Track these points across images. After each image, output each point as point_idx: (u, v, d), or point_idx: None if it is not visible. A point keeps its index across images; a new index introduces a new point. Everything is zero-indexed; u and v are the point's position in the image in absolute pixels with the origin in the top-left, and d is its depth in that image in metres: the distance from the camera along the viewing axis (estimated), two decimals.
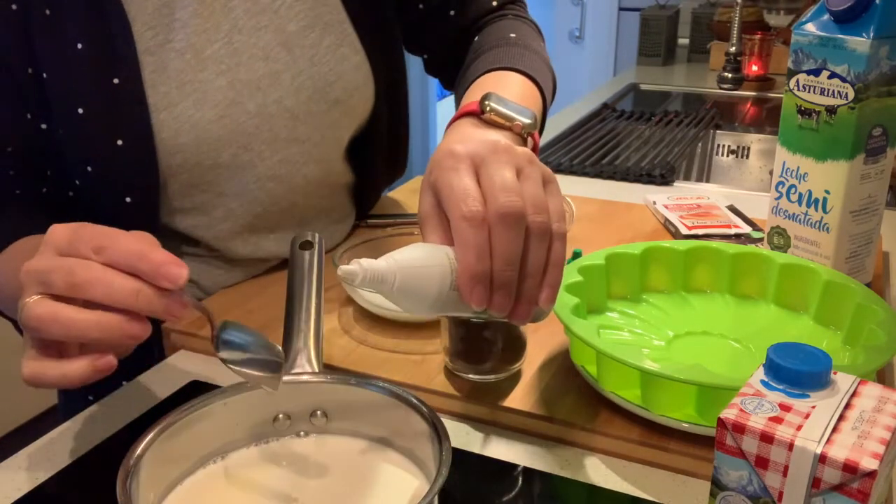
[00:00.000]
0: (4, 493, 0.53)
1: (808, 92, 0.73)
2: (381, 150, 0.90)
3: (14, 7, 0.66)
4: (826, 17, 0.72)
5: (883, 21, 0.68)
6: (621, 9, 2.95)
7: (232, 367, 0.48)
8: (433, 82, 3.84)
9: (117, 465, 0.44)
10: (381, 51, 0.83)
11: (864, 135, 0.71)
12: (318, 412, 0.52)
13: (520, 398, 0.60)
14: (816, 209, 0.75)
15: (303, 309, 0.56)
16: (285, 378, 0.50)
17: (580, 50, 3.15)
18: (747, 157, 1.61)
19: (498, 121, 0.61)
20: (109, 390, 0.66)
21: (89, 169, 0.70)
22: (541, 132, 0.77)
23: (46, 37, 0.67)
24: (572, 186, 1.19)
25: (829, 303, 0.66)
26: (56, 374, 0.48)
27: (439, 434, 0.46)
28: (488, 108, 0.61)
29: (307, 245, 0.60)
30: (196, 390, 0.63)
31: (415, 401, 0.49)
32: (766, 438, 0.37)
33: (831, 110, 0.72)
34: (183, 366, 0.69)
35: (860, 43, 0.69)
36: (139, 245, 0.47)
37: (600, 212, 0.99)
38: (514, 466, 0.55)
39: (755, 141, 1.60)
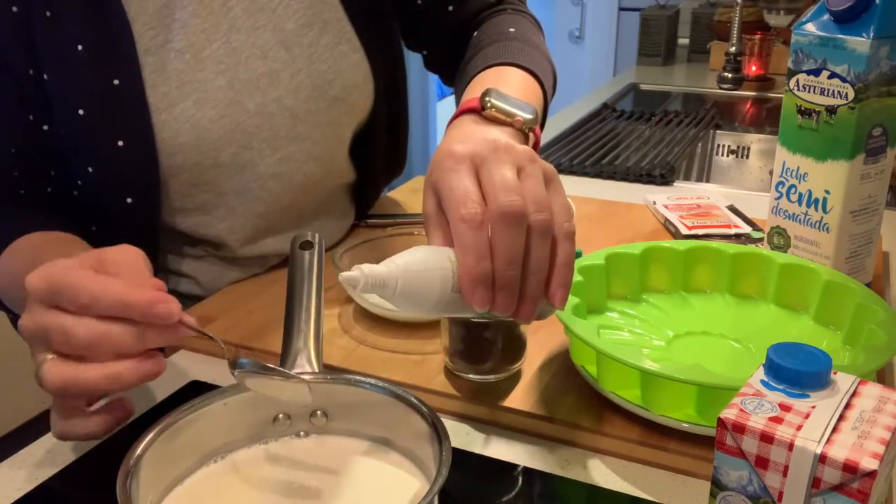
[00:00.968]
0: (4, 493, 0.53)
1: (808, 92, 0.73)
2: (380, 147, 0.90)
3: (15, 9, 0.66)
4: (826, 17, 0.72)
5: (883, 21, 0.68)
6: (621, 9, 2.95)
7: (254, 386, 0.48)
8: (433, 81, 3.83)
9: (117, 465, 0.44)
10: (380, 48, 0.83)
11: (864, 135, 0.71)
12: (318, 412, 0.52)
13: (520, 398, 0.60)
14: (816, 209, 0.75)
15: (303, 309, 0.56)
16: (285, 379, 0.50)
17: (580, 50, 3.15)
18: (747, 157, 1.61)
19: (499, 117, 0.61)
20: None
21: (90, 170, 0.70)
22: (542, 127, 0.77)
23: (47, 38, 0.67)
24: (572, 186, 1.18)
25: (829, 303, 0.66)
26: (83, 432, 0.51)
27: (439, 434, 0.46)
28: (489, 105, 0.61)
29: (307, 245, 0.60)
30: (196, 390, 0.63)
31: (415, 401, 0.49)
32: (766, 438, 0.37)
33: (831, 110, 0.72)
34: (183, 366, 0.69)
35: (860, 43, 0.68)
36: (119, 292, 0.46)
37: (600, 212, 0.99)
38: (514, 466, 0.55)
39: (755, 141, 1.60)
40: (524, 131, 0.61)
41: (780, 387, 0.40)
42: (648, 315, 0.69)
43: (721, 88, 1.74)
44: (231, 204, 0.77)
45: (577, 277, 0.66)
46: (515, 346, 0.62)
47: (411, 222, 0.93)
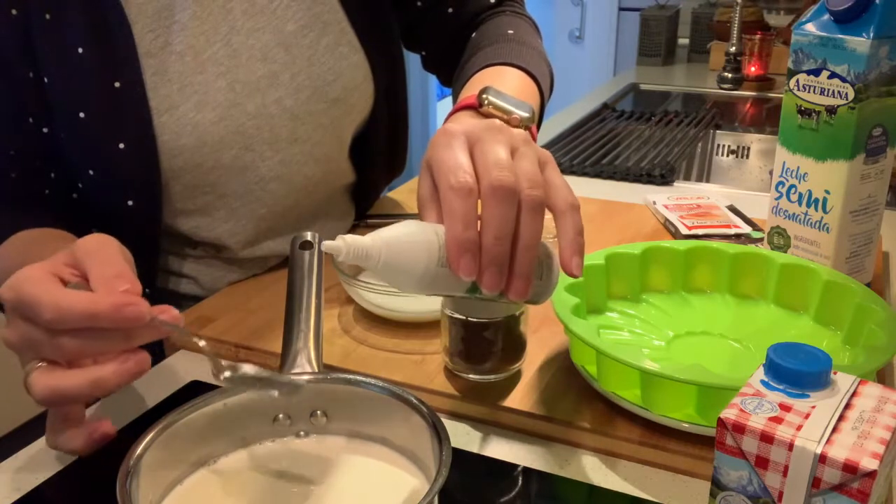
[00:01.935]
0: (4, 494, 0.53)
1: (808, 92, 0.73)
2: (380, 148, 0.90)
3: (14, 12, 0.66)
4: (826, 17, 0.72)
5: (883, 21, 0.68)
6: (621, 9, 2.95)
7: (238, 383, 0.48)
8: (433, 82, 3.84)
9: (117, 465, 0.44)
10: (379, 49, 0.83)
11: (864, 135, 0.71)
12: (318, 412, 0.52)
13: (520, 398, 0.60)
14: (816, 209, 0.75)
15: (303, 309, 0.56)
16: (285, 379, 0.50)
17: (580, 50, 3.15)
18: (747, 157, 1.61)
19: (496, 114, 0.61)
20: None
21: (91, 172, 0.70)
22: (538, 128, 0.77)
23: (47, 41, 0.67)
24: (572, 186, 1.18)
25: (829, 303, 0.66)
26: (67, 448, 0.52)
27: (439, 434, 0.46)
28: (486, 102, 0.61)
29: (307, 245, 0.60)
30: (196, 390, 0.63)
31: (415, 401, 0.49)
32: (766, 438, 0.37)
33: (831, 110, 0.72)
34: (183, 366, 0.69)
35: (860, 43, 0.68)
36: (84, 305, 0.46)
37: (600, 212, 0.99)
38: (513, 466, 0.55)
39: (755, 141, 1.60)
40: (520, 129, 0.62)
41: (780, 387, 0.40)
42: (648, 315, 0.69)
43: (721, 88, 1.74)
44: (232, 206, 0.77)
45: None
46: (515, 346, 0.62)
47: None
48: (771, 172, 0.99)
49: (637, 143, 1.45)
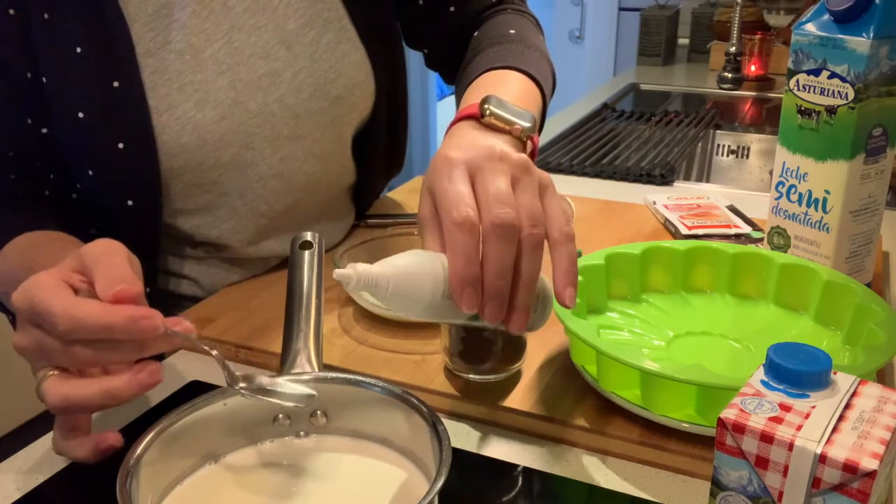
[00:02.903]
0: (4, 494, 0.53)
1: (808, 92, 0.73)
2: (380, 146, 0.90)
3: (12, 12, 0.66)
4: (826, 17, 0.72)
5: (883, 21, 0.68)
6: (621, 9, 2.94)
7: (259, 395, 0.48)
8: (433, 81, 3.83)
9: (117, 465, 0.44)
10: (380, 47, 0.83)
11: (864, 135, 0.71)
12: (318, 412, 0.52)
13: (520, 398, 0.60)
14: (816, 209, 0.75)
15: (303, 309, 0.56)
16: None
17: (580, 50, 3.15)
18: (747, 157, 1.61)
19: (497, 124, 0.61)
20: None
21: (90, 172, 0.70)
22: (540, 130, 0.77)
23: (45, 41, 0.67)
24: (572, 186, 1.19)
25: (829, 303, 0.66)
26: (74, 456, 0.51)
27: (439, 434, 0.46)
28: (488, 112, 0.61)
29: (307, 245, 0.60)
30: (196, 390, 0.63)
31: (415, 401, 0.49)
32: (766, 438, 0.37)
33: (831, 110, 0.72)
34: (183, 366, 0.69)
35: (860, 43, 0.68)
36: (98, 317, 0.46)
37: (600, 212, 0.99)
38: (514, 466, 0.55)
39: (755, 141, 1.60)
40: (522, 139, 0.62)
41: (780, 387, 0.40)
42: (648, 315, 0.69)
43: (721, 88, 1.74)
44: (233, 204, 0.77)
45: None
46: (515, 346, 0.62)
47: (411, 222, 0.93)
48: (771, 172, 0.99)
49: (637, 143, 1.45)
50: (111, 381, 0.47)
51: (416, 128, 3.75)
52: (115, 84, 0.68)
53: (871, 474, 0.35)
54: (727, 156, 1.62)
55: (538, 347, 0.66)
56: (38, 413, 0.53)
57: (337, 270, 0.46)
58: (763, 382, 0.41)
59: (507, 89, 0.72)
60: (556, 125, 1.55)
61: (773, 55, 1.97)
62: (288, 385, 0.49)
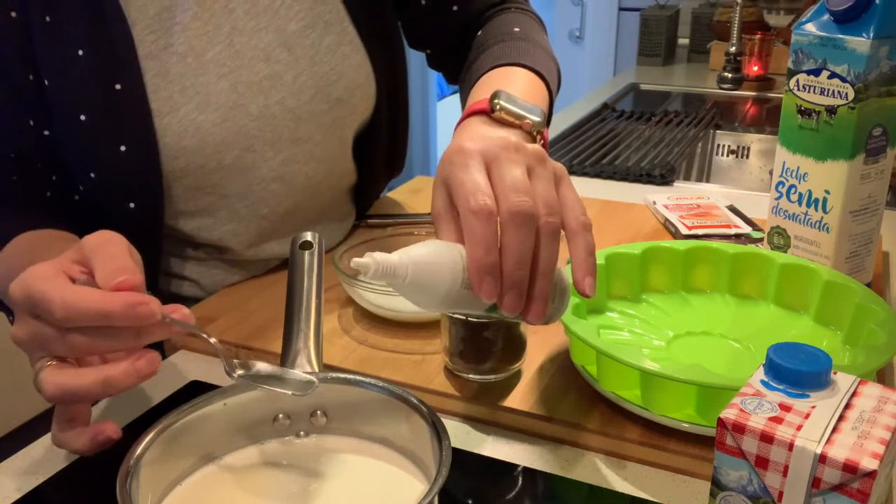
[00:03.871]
0: (4, 494, 0.53)
1: (808, 92, 0.73)
2: (380, 147, 0.90)
3: (14, 14, 0.66)
4: (826, 17, 0.72)
5: (883, 21, 0.68)
6: (621, 9, 2.94)
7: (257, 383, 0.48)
8: (433, 81, 3.83)
9: (117, 465, 0.44)
10: (381, 48, 0.83)
11: (864, 135, 0.71)
12: (318, 412, 0.52)
13: (520, 398, 0.60)
14: (816, 209, 0.75)
15: (303, 309, 0.56)
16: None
17: (580, 50, 3.15)
18: (747, 157, 1.61)
19: (508, 119, 0.61)
20: None
21: (92, 175, 0.70)
22: (548, 126, 0.77)
23: (47, 43, 0.67)
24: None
25: (829, 303, 0.66)
26: (72, 447, 0.51)
27: (439, 434, 0.46)
28: (498, 107, 0.61)
29: (307, 245, 0.60)
30: (196, 390, 0.63)
31: (415, 401, 0.49)
32: (766, 438, 0.37)
33: (831, 110, 0.72)
34: (183, 366, 0.69)
35: (860, 43, 0.68)
36: (95, 303, 0.46)
37: (600, 212, 0.99)
38: (514, 466, 0.55)
39: (755, 141, 1.60)
40: (532, 134, 0.62)
41: (780, 387, 0.40)
42: (648, 315, 0.69)
43: (721, 88, 1.74)
44: (234, 206, 0.77)
45: None
46: (515, 346, 0.62)
47: (411, 222, 0.93)
48: (771, 172, 0.99)
49: (637, 143, 1.45)
50: (109, 370, 0.47)
51: (417, 128, 3.74)
52: (117, 86, 0.68)
53: (871, 474, 0.35)
54: (727, 156, 1.62)
55: (538, 347, 0.66)
56: (38, 413, 0.53)
57: (355, 259, 0.46)
58: (763, 382, 0.41)
59: (514, 85, 0.72)
60: (556, 125, 1.55)
61: (773, 55, 1.97)
62: (287, 372, 0.49)
